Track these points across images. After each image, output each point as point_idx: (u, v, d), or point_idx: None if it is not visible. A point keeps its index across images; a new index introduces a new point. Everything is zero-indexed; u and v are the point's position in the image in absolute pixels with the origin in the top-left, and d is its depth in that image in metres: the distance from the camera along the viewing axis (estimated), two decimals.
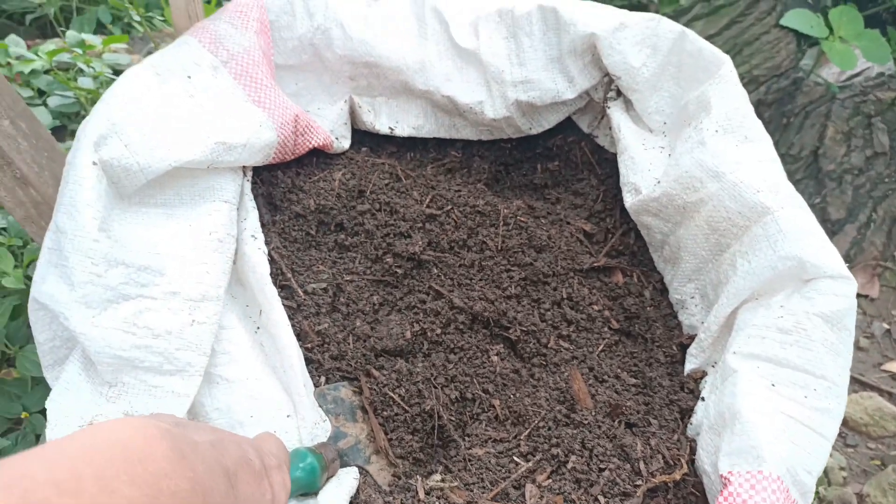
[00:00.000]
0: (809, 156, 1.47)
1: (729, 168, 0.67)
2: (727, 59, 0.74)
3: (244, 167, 0.75)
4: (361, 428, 0.68)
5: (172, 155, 0.63)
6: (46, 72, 1.63)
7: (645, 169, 0.79)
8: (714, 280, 0.73)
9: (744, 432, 0.56)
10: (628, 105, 0.86)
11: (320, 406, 0.66)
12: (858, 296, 1.37)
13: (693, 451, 0.65)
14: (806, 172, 1.47)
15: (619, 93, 0.87)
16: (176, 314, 0.59)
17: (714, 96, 0.72)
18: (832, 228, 1.43)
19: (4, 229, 1.07)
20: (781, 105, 1.53)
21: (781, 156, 1.54)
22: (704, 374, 0.71)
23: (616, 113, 0.85)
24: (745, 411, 0.57)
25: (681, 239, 0.76)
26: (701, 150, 0.70)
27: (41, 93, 1.59)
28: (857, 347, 1.25)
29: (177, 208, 0.66)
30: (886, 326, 1.29)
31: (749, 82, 1.57)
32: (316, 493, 0.59)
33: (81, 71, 1.55)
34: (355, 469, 0.62)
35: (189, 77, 0.69)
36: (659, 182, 0.75)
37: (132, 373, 0.53)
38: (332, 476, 0.61)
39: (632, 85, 0.81)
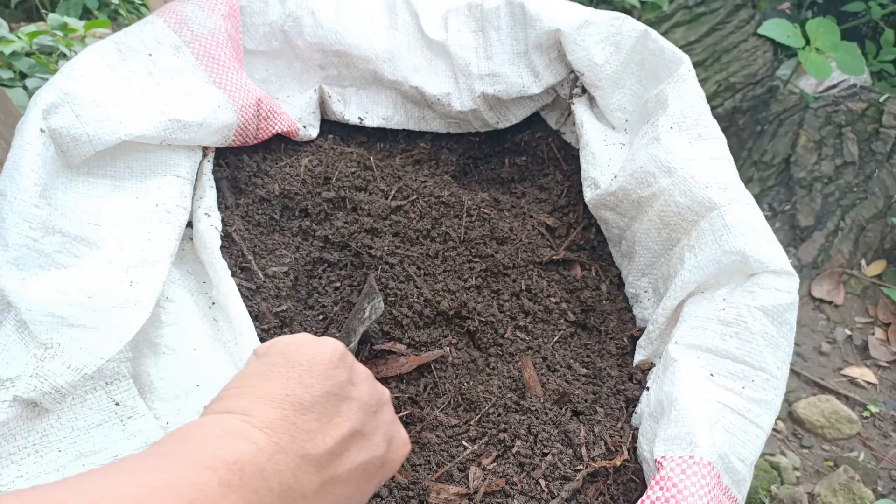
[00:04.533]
0: (781, 163, 1.49)
1: (681, 164, 0.69)
2: (686, 58, 0.75)
3: (205, 148, 0.76)
4: None
5: (124, 129, 0.64)
6: (29, 55, 1.63)
7: (604, 164, 0.80)
8: (665, 274, 0.74)
9: (679, 419, 0.57)
10: (592, 102, 0.87)
11: None
12: (823, 302, 1.39)
13: (635, 439, 0.66)
14: (777, 179, 1.50)
15: (584, 89, 0.88)
16: (113, 275, 0.59)
17: (671, 94, 0.74)
18: (801, 235, 1.45)
19: None
20: (756, 112, 1.55)
21: (754, 162, 1.56)
22: (652, 365, 0.73)
23: (580, 109, 0.86)
24: (681, 399, 0.58)
25: (636, 233, 0.78)
26: (655, 146, 0.71)
27: (23, 76, 1.58)
28: (819, 352, 1.27)
29: (126, 181, 0.66)
30: (849, 332, 1.31)
31: (726, 89, 1.60)
32: None
33: (64, 55, 1.55)
34: None
35: (150, 55, 0.70)
36: (616, 177, 0.77)
37: (67, 332, 0.53)
38: None
39: (595, 81, 0.82)
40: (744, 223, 0.65)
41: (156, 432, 0.57)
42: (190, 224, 0.74)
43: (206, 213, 0.72)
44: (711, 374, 0.60)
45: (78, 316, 0.55)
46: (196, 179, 0.75)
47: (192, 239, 0.72)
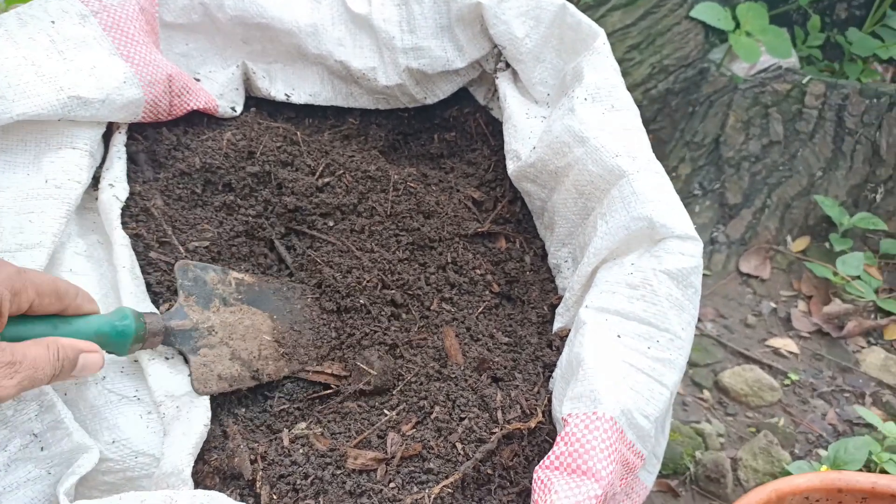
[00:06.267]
0: (711, 143, 1.53)
1: (593, 134, 0.70)
2: (601, 31, 0.77)
3: (113, 123, 0.75)
4: (208, 317, 0.68)
5: (16, 108, 0.62)
6: None
7: (526, 137, 0.82)
8: (582, 243, 0.76)
9: (585, 378, 0.59)
10: (516, 77, 0.89)
11: (178, 279, 0.67)
12: (750, 277, 1.44)
13: (550, 403, 0.68)
14: (708, 159, 1.54)
15: (507, 65, 0.89)
16: None
17: (587, 67, 0.75)
18: (730, 213, 1.50)
19: None
20: (688, 94, 1.59)
21: (686, 143, 1.60)
22: (570, 331, 0.74)
23: (504, 83, 0.87)
24: (588, 359, 0.60)
25: (555, 204, 0.79)
26: (570, 117, 0.73)
27: None
28: (745, 324, 1.32)
29: (18, 156, 0.65)
30: (774, 306, 1.36)
31: (659, 71, 1.63)
32: (124, 357, 0.61)
33: None
34: (206, 413, 0.63)
35: (53, 22, 0.68)
36: (534, 148, 0.78)
37: None
38: (149, 348, 0.62)
39: (516, 56, 0.83)
40: (651, 190, 0.66)
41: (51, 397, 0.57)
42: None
43: (109, 184, 0.70)
44: (619, 336, 0.62)
45: None
46: (106, 152, 0.73)
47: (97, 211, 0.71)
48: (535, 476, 0.55)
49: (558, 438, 0.56)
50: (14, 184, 0.65)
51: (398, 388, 0.72)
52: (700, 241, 0.66)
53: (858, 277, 1.37)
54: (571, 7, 0.80)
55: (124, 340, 0.59)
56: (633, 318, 0.63)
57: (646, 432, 0.60)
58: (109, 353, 0.60)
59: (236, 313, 0.72)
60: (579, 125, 0.71)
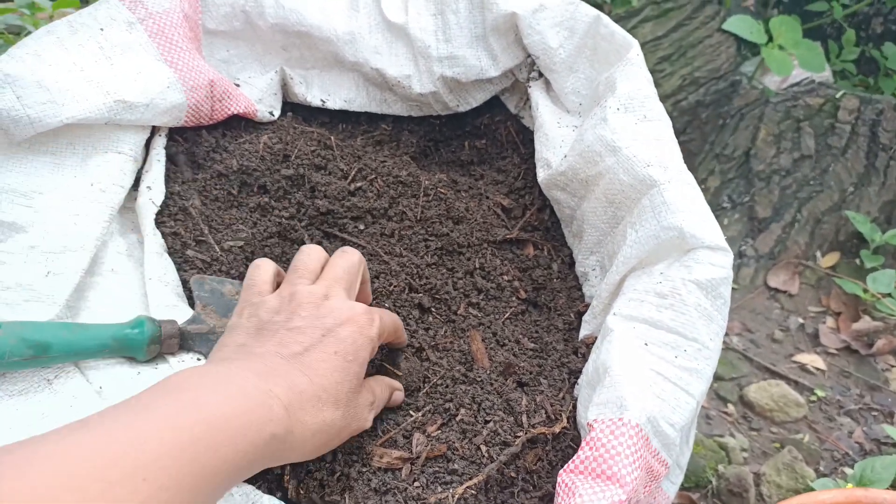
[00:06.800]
0: (741, 156, 1.53)
1: (625, 143, 0.71)
2: (635, 42, 0.78)
3: (156, 126, 0.77)
4: (224, 323, 0.69)
5: (66, 111, 0.65)
6: None
7: (557, 145, 0.83)
8: (610, 252, 0.76)
9: (612, 385, 0.59)
10: (548, 86, 0.90)
11: (194, 291, 0.69)
12: (778, 291, 1.43)
13: (576, 409, 0.68)
14: (737, 172, 1.53)
15: (540, 74, 0.90)
16: (30, 266, 0.60)
17: (620, 77, 0.76)
18: (759, 226, 1.49)
19: None
20: (718, 106, 1.58)
21: (716, 155, 1.60)
22: (596, 338, 0.75)
23: (536, 92, 0.88)
24: (615, 367, 0.60)
25: (585, 213, 0.80)
26: (602, 126, 0.74)
27: None
28: (772, 339, 1.31)
29: (67, 158, 0.67)
30: (801, 321, 1.35)
31: (690, 83, 1.63)
32: (140, 361, 0.63)
33: (30, 34, 1.54)
34: None
35: (102, 29, 0.70)
36: (566, 156, 0.79)
37: None
38: (167, 353, 0.64)
39: (550, 65, 0.84)
40: (682, 200, 0.67)
41: (86, 392, 0.59)
42: None
43: (147, 187, 0.73)
44: (646, 344, 0.63)
45: None
46: (146, 154, 0.76)
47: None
48: (559, 479, 0.56)
49: (583, 443, 0.57)
50: (61, 185, 0.68)
51: (424, 391, 0.73)
52: (730, 251, 0.66)
53: (889, 295, 1.35)
54: (606, 18, 0.81)
55: (139, 345, 0.62)
56: (661, 327, 0.63)
57: (671, 441, 0.60)
58: (128, 356, 0.63)
59: None
60: (611, 134, 0.72)
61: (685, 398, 0.61)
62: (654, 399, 0.59)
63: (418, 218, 0.88)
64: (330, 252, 0.83)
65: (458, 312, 0.83)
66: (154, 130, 0.79)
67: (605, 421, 0.57)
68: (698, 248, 0.65)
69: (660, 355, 0.62)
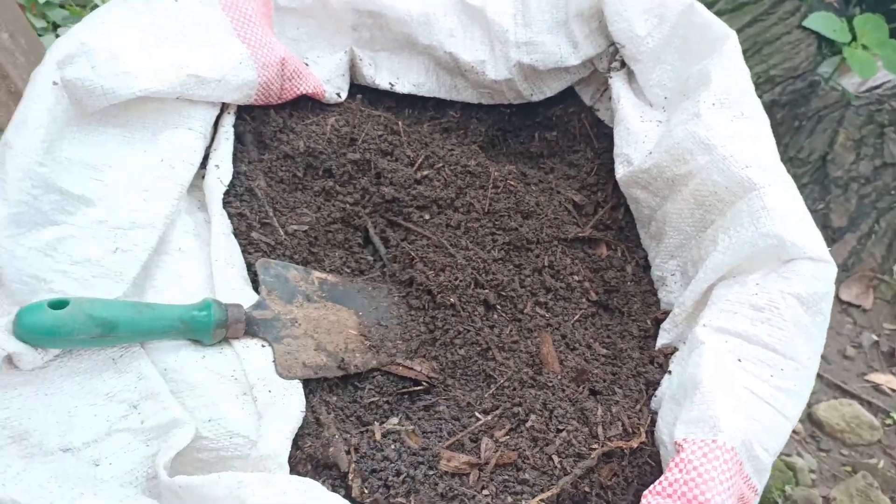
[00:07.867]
0: (818, 160, 1.45)
1: (721, 141, 0.66)
2: (733, 34, 0.72)
3: (226, 103, 0.75)
4: (290, 310, 0.67)
5: (139, 83, 0.63)
6: (63, 5, 1.63)
7: (640, 141, 0.78)
8: (695, 257, 0.72)
9: (703, 402, 0.55)
10: (631, 77, 0.85)
11: (259, 275, 0.67)
12: (851, 305, 1.36)
13: (654, 423, 0.64)
14: (812, 177, 1.45)
15: (623, 64, 0.85)
16: (99, 242, 0.59)
17: (715, 70, 0.71)
18: (832, 236, 1.41)
19: None
20: (795, 107, 1.50)
21: (790, 158, 1.52)
22: (675, 349, 0.70)
23: (617, 84, 0.84)
24: (706, 382, 0.56)
25: (667, 214, 0.75)
26: (695, 122, 0.69)
27: (56, 26, 1.59)
28: (844, 356, 1.24)
29: (137, 132, 0.66)
30: (875, 338, 1.28)
31: (765, 82, 1.55)
32: (206, 345, 0.61)
33: (96, 5, 1.55)
34: (302, 400, 0.62)
35: (176, 1, 0.68)
36: (651, 153, 0.74)
37: (46, 297, 0.53)
38: (233, 337, 0.62)
39: (635, 55, 0.80)
40: (783, 206, 0.62)
41: (150, 373, 0.57)
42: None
43: (216, 165, 0.71)
44: (739, 360, 0.58)
45: (59, 283, 0.55)
46: (215, 132, 0.74)
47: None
48: (643, 502, 0.52)
49: (671, 464, 0.53)
50: (131, 160, 0.66)
51: (490, 391, 0.70)
52: (834, 265, 0.61)
53: None
54: (700, 6, 0.76)
55: (206, 328, 0.60)
56: (757, 342, 0.59)
57: (764, 466, 0.55)
58: (194, 340, 0.61)
59: (320, 309, 0.71)
60: (706, 132, 0.67)
61: (781, 421, 0.57)
62: (749, 421, 0.55)
63: (486, 210, 0.84)
64: (392, 242, 0.80)
65: (525, 311, 0.79)
66: (223, 108, 0.77)
67: (697, 441, 0.53)
68: (799, 259, 0.60)
69: (755, 373, 0.58)
